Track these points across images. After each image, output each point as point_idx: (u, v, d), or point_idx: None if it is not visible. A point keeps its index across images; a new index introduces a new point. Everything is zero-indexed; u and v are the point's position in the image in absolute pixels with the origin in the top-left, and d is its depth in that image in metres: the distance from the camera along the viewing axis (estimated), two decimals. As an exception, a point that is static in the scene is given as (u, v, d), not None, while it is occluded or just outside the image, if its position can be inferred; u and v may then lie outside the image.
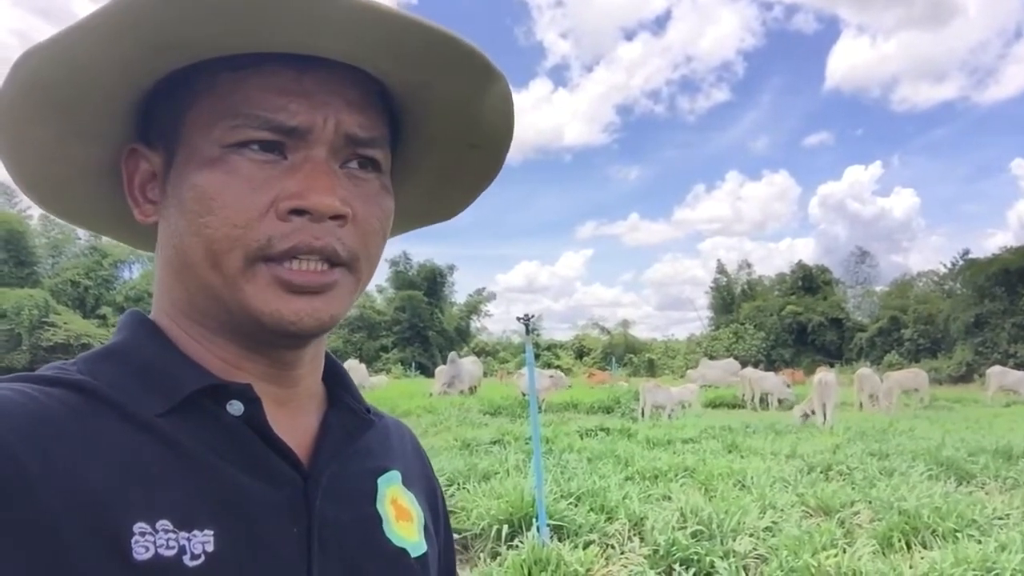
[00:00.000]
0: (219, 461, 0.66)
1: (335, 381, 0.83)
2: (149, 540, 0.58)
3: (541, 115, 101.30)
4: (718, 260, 60.45)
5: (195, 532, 0.60)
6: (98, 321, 41.34)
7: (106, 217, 0.83)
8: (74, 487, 0.57)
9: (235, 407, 0.68)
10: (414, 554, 0.78)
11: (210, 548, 0.60)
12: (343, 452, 0.76)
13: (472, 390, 23.13)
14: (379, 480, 0.80)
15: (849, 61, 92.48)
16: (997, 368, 26.11)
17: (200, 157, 0.67)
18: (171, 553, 0.58)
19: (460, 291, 58.56)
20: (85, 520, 0.56)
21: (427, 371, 42.09)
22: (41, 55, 0.64)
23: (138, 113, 0.73)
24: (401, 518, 0.79)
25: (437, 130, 0.79)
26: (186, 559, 0.59)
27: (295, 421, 0.75)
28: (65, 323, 38.21)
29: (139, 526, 0.58)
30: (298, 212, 0.66)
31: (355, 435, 0.79)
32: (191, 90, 0.68)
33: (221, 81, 0.67)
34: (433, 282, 53.57)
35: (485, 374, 29.64)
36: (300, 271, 0.67)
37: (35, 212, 43.73)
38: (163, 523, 0.59)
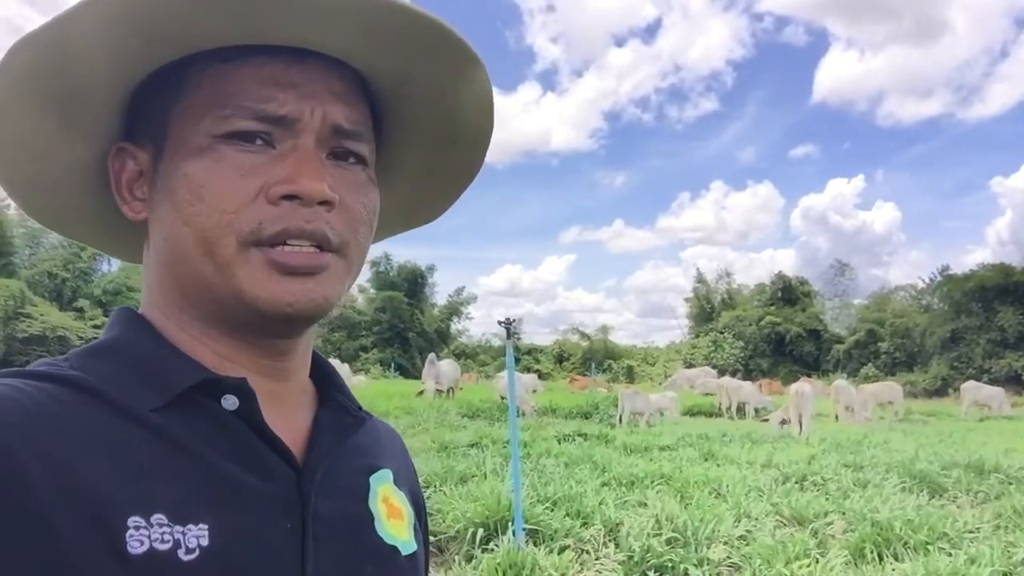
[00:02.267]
0: (214, 455, 0.66)
1: (325, 379, 0.83)
2: (144, 534, 0.58)
3: (529, 119, 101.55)
4: (697, 268, 60.79)
5: (190, 526, 0.60)
6: (75, 314, 40.91)
7: (88, 221, 0.83)
8: (69, 482, 0.57)
9: (230, 401, 0.68)
10: (404, 552, 0.79)
11: (205, 542, 0.60)
12: (336, 448, 0.77)
13: (451, 392, 23.10)
14: (371, 478, 0.80)
15: (837, 74, 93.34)
16: (971, 383, 26.42)
17: (189, 147, 0.68)
18: (166, 547, 0.58)
19: (441, 293, 58.52)
20: (80, 515, 0.56)
21: (407, 372, 42.03)
22: (33, 44, 0.64)
23: (124, 112, 0.73)
24: (392, 516, 0.80)
25: (418, 126, 0.80)
26: (181, 553, 0.59)
27: (288, 417, 0.75)
28: (41, 315, 37.74)
29: (133, 520, 0.58)
30: (288, 197, 0.67)
31: (347, 432, 0.80)
32: (179, 84, 0.69)
33: (209, 73, 0.68)
34: (414, 283, 53.43)
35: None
36: (293, 253, 0.67)
37: (12, 202, 43.17)
38: (158, 517, 0.59)
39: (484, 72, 0.76)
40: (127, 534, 0.57)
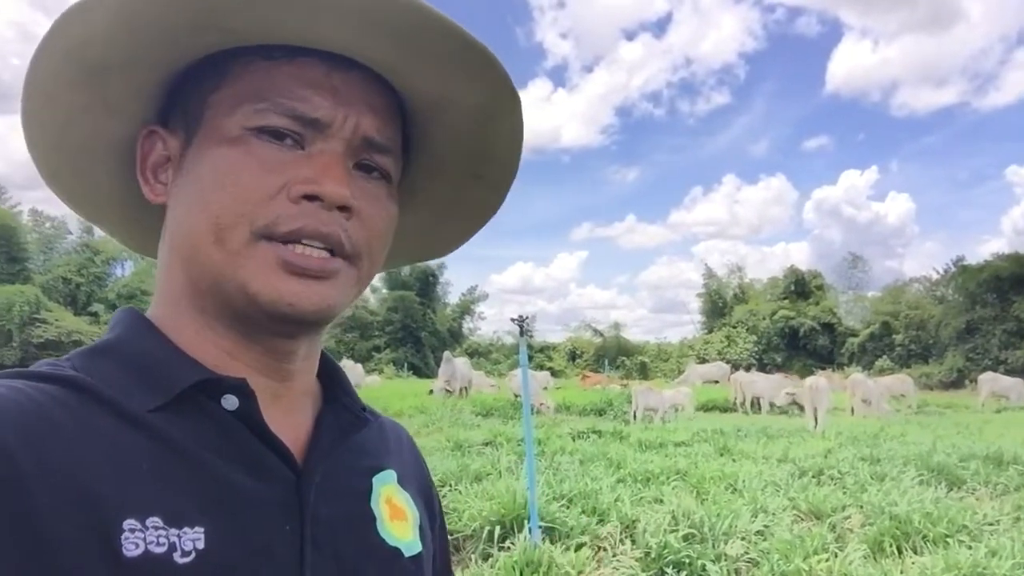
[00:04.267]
0: (212, 457, 0.65)
1: (331, 380, 0.83)
2: (139, 537, 0.58)
3: (539, 115, 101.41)
4: (706, 264, 60.54)
5: (185, 529, 0.60)
6: (90, 318, 41.17)
7: (107, 202, 0.83)
8: (66, 484, 0.57)
9: (229, 402, 0.68)
10: (408, 554, 0.78)
11: (201, 545, 0.60)
12: (337, 450, 0.76)
13: (464, 391, 23.11)
14: (374, 479, 0.80)
15: (850, 65, 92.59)
16: (989, 374, 26.22)
17: (220, 135, 0.68)
18: (161, 550, 0.58)
19: (453, 292, 58.54)
20: (76, 517, 0.56)
21: (420, 372, 42.12)
22: (82, 17, 0.64)
23: (160, 97, 0.74)
24: (395, 517, 0.79)
25: (446, 155, 0.81)
26: (176, 556, 0.59)
27: (289, 418, 0.75)
28: (56, 320, 38.04)
29: (129, 523, 0.58)
30: (309, 198, 0.67)
31: (349, 433, 0.79)
32: (220, 74, 0.70)
33: (252, 68, 0.69)
34: (426, 282, 53.48)
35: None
36: (303, 254, 0.67)
37: (25, 208, 43.53)
38: (153, 520, 0.59)
39: (518, 106, 0.76)
40: (122, 536, 0.57)
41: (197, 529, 0.61)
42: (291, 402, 0.76)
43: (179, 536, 0.59)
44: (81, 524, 0.56)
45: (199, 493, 0.63)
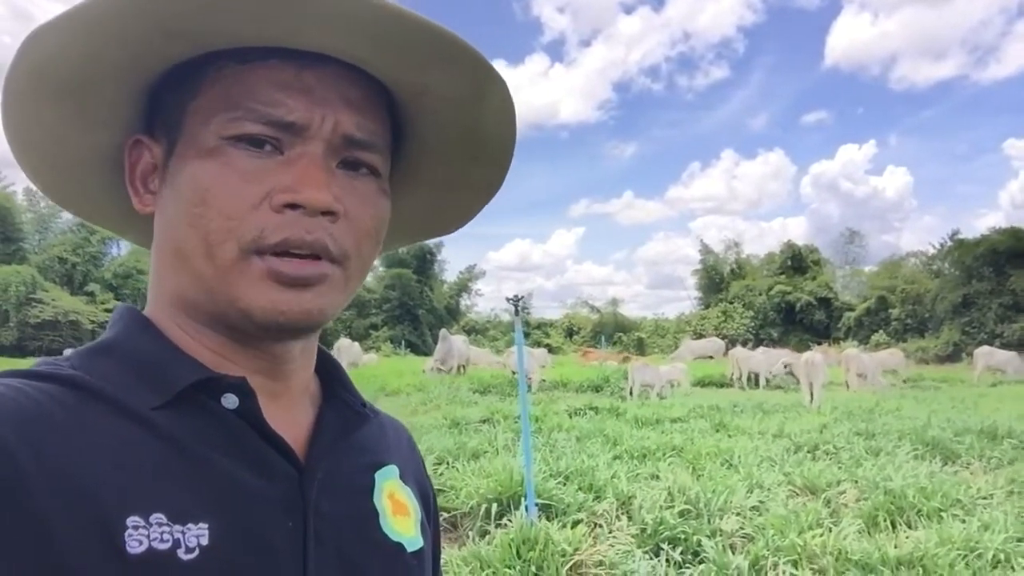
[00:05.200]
0: (214, 455, 0.66)
1: (330, 376, 0.83)
2: (143, 533, 0.58)
3: (537, 91, 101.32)
4: (701, 240, 60.53)
5: (189, 525, 0.60)
6: (86, 298, 41.15)
7: (104, 206, 0.83)
8: (68, 482, 0.57)
9: (230, 400, 0.68)
10: (410, 549, 0.78)
11: (204, 541, 0.61)
12: (338, 446, 0.77)
13: (462, 368, 23.15)
14: (376, 474, 0.80)
15: (849, 38, 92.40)
16: (984, 348, 26.31)
17: (198, 147, 0.67)
18: (165, 546, 0.59)
19: (451, 269, 58.56)
20: (79, 515, 0.56)
21: (417, 349, 42.21)
22: (51, 34, 0.64)
23: (143, 104, 0.73)
24: (398, 513, 0.80)
25: (437, 138, 0.79)
26: (180, 552, 0.59)
27: (289, 415, 0.75)
28: (53, 300, 38.04)
29: (132, 519, 0.58)
30: (291, 206, 0.66)
31: (350, 430, 0.80)
32: (197, 81, 0.69)
33: (225, 73, 0.68)
34: (423, 260, 53.42)
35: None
36: (292, 262, 0.67)
37: (20, 188, 43.31)
38: (157, 516, 0.59)
39: (504, 88, 0.74)
40: (126, 534, 0.57)
41: (201, 525, 0.61)
42: (290, 399, 0.76)
43: (183, 532, 0.60)
44: (84, 522, 0.56)
45: (202, 490, 0.63)
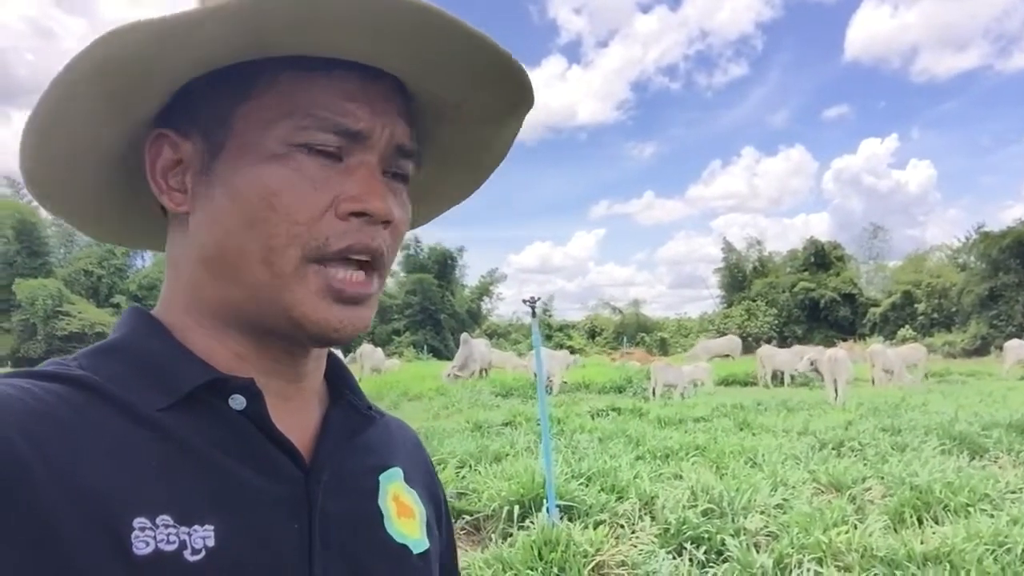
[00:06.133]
0: (220, 456, 0.66)
1: (337, 378, 0.83)
2: (149, 535, 0.58)
3: (554, 93, 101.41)
4: (724, 238, 60.19)
5: (195, 527, 0.61)
6: (112, 310, 41.63)
7: (97, 206, 0.80)
8: (75, 483, 0.57)
9: (237, 401, 0.68)
10: (416, 551, 0.79)
11: (211, 543, 0.61)
12: (344, 448, 0.77)
13: (483, 372, 23.12)
14: (381, 477, 0.80)
15: (869, 31, 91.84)
16: (1015, 341, 25.82)
17: (262, 152, 0.67)
18: (172, 548, 0.59)
19: (472, 273, 58.72)
20: (86, 516, 0.56)
21: (439, 354, 42.24)
22: (118, 39, 0.61)
23: (169, 97, 0.71)
24: (403, 515, 0.80)
25: (451, 143, 0.82)
26: (187, 554, 0.59)
27: (297, 417, 0.75)
28: (79, 312, 38.57)
29: (139, 521, 0.58)
30: (356, 214, 0.68)
31: (356, 432, 0.80)
32: (247, 83, 0.68)
33: (284, 79, 0.68)
34: (444, 265, 53.58)
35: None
36: (349, 281, 0.69)
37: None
38: (163, 518, 0.59)
39: (532, 103, 0.77)
40: (132, 535, 0.58)
41: (207, 527, 0.61)
42: (299, 401, 0.77)
43: (189, 534, 0.60)
44: (90, 523, 0.56)
45: (209, 491, 0.63)
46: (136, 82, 0.66)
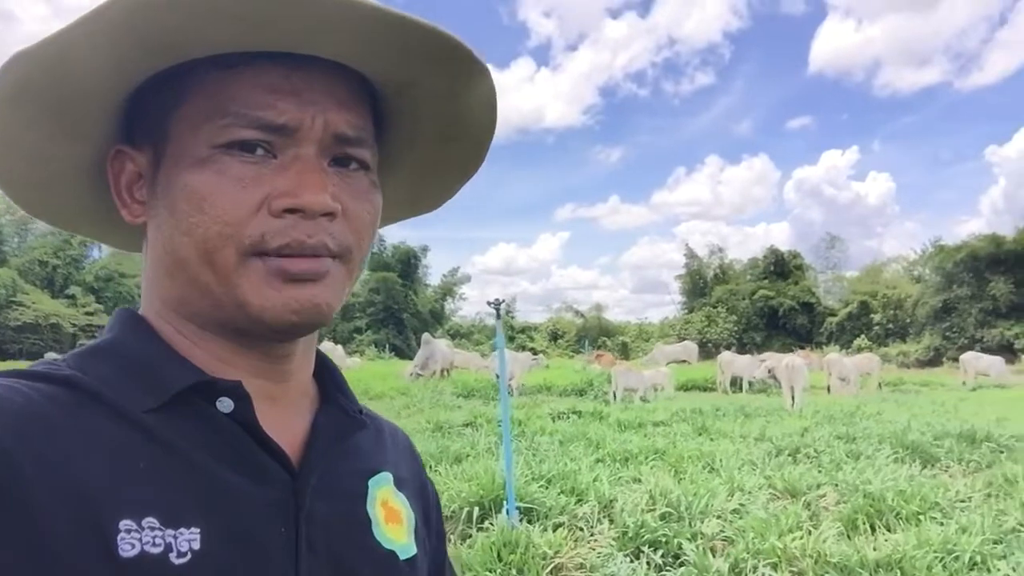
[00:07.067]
0: (207, 459, 0.65)
1: (328, 380, 0.83)
2: (135, 537, 0.58)
3: (522, 96, 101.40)
4: (686, 244, 60.82)
5: (181, 530, 0.60)
6: (67, 301, 40.85)
7: (91, 218, 0.82)
8: (62, 484, 0.57)
9: (225, 404, 0.68)
10: (403, 556, 0.78)
11: (196, 546, 0.60)
12: (333, 452, 0.76)
13: (446, 372, 23.09)
14: (369, 482, 0.80)
15: (834, 44, 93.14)
16: (971, 353, 26.56)
17: (190, 157, 0.67)
18: (157, 551, 0.58)
19: (436, 273, 58.54)
20: (72, 517, 0.56)
21: (402, 353, 42.11)
22: (32, 59, 0.63)
23: (122, 114, 0.72)
24: (391, 520, 0.79)
25: (420, 125, 0.80)
26: (172, 557, 0.59)
27: (286, 419, 0.75)
28: (33, 303, 37.76)
29: (125, 523, 0.58)
30: (291, 210, 0.66)
31: (346, 435, 0.79)
32: (179, 89, 0.68)
33: (210, 80, 0.67)
34: (407, 264, 53.40)
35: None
36: (295, 259, 0.67)
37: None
38: (149, 520, 0.59)
39: (488, 78, 0.75)
40: (118, 537, 0.57)
41: (193, 530, 0.61)
42: (287, 403, 0.76)
43: (175, 537, 0.59)
44: (77, 523, 0.56)
45: (195, 494, 0.63)
46: (61, 105, 0.67)
